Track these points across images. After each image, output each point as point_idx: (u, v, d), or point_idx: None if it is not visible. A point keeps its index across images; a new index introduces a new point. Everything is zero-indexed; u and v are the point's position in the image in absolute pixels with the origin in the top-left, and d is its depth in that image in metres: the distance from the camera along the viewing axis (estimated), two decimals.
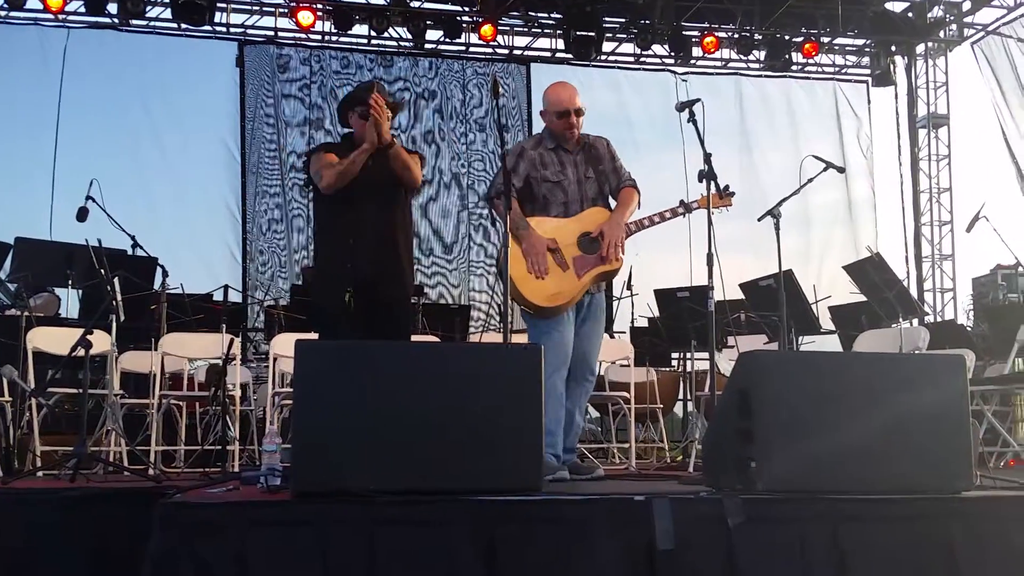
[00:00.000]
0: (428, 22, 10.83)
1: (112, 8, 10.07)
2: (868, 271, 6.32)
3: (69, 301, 7.30)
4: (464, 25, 10.98)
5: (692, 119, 4.69)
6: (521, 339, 4.92)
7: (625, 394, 6.73)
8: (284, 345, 6.03)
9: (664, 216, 4.84)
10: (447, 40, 10.98)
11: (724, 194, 4.75)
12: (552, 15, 11.31)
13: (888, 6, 11.80)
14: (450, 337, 7.63)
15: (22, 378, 5.30)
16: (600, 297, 4.88)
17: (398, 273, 4.67)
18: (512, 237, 4.55)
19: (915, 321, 7.37)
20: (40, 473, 4.91)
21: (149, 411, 6.11)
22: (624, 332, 8.76)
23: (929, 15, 11.74)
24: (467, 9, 10.97)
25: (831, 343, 7.46)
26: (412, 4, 10.71)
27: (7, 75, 9.91)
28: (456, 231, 10.95)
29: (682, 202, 4.86)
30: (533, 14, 11.32)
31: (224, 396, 5.66)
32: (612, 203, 4.88)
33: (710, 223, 4.65)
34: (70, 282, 6.48)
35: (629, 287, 8.64)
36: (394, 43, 11.04)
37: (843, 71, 12.29)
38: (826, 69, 12.19)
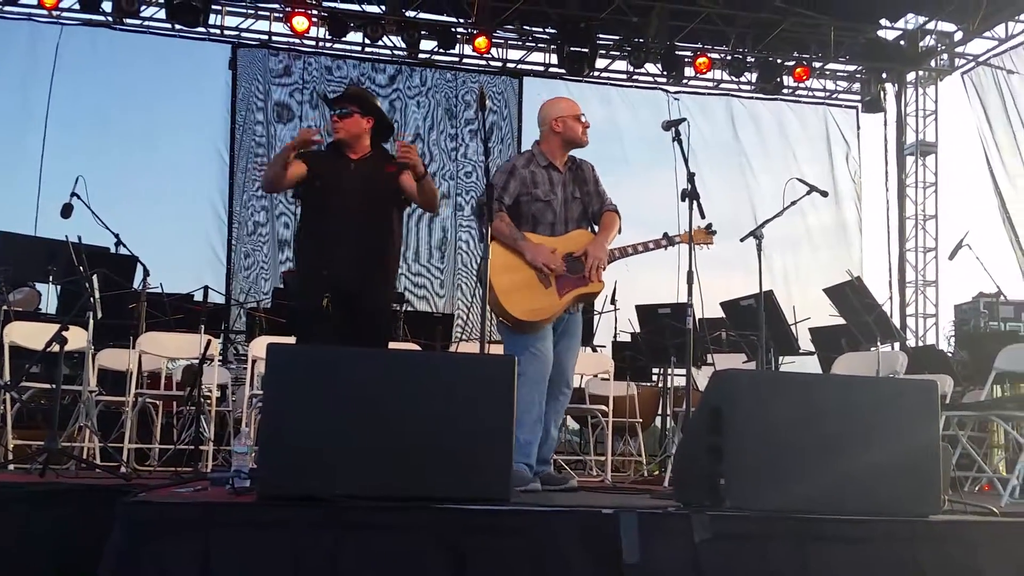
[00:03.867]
0: (422, 32, 10.85)
1: (106, 6, 10.04)
2: (848, 294, 6.34)
3: (49, 297, 7.28)
4: (458, 36, 11.01)
5: (677, 138, 4.73)
6: (498, 351, 4.90)
7: (604, 407, 6.74)
8: (263, 348, 5.99)
9: (647, 246, 4.89)
10: (441, 51, 11.00)
11: (708, 231, 4.84)
12: (547, 30, 11.35)
13: (880, 34, 11.88)
14: (431, 346, 7.63)
15: None
16: (578, 316, 4.93)
17: (378, 282, 4.68)
18: (510, 250, 4.59)
19: (895, 345, 7.39)
20: (11, 467, 4.89)
21: (124, 408, 6.09)
22: (605, 346, 8.77)
23: (921, 44, 11.82)
24: (462, 21, 11.00)
25: (811, 364, 7.48)
26: (407, 14, 10.73)
27: None
28: (444, 240, 10.95)
29: (665, 235, 4.92)
30: (527, 28, 11.35)
31: (199, 396, 5.64)
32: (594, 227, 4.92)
33: (691, 243, 4.70)
34: (51, 278, 6.46)
35: (613, 302, 8.65)
36: (388, 51, 11.06)
37: (833, 96, 12.37)
38: (817, 94, 12.27)
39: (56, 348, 4.52)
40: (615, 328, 8.85)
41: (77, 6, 9.94)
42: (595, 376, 7.62)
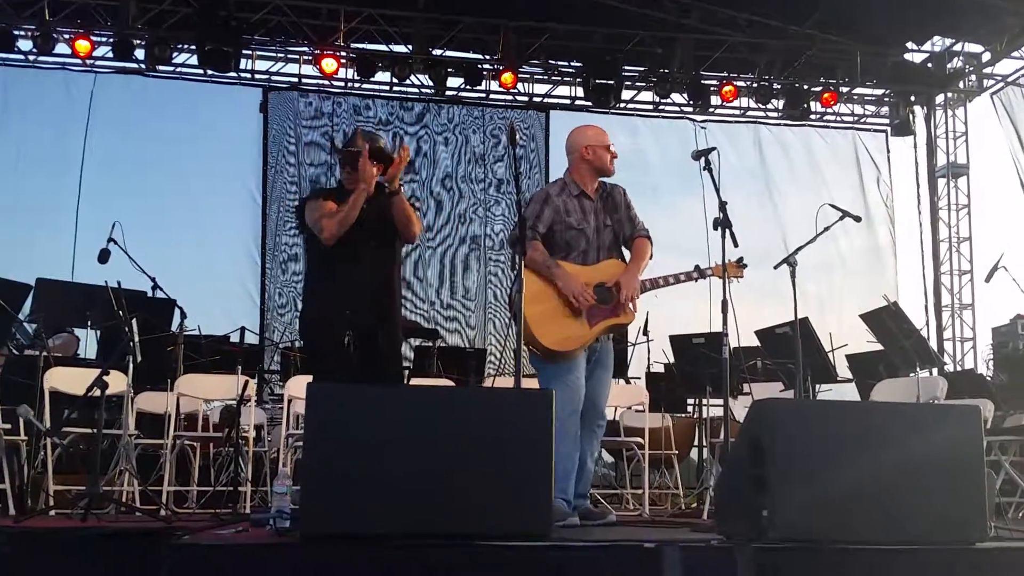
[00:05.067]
0: (449, 69, 10.95)
1: (139, 54, 10.24)
2: (885, 320, 6.29)
3: (88, 342, 7.36)
4: (484, 73, 11.10)
5: (708, 167, 4.74)
6: (532, 384, 4.90)
7: (639, 439, 6.69)
8: (299, 387, 6.05)
9: (679, 279, 4.92)
10: (468, 87, 11.10)
11: (738, 265, 4.84)
12: (572, 63, 11.41)
13: (907, 56, 11.84)
14: (465, 380, 7.63)
15: (38, 418, 5.32)
16: (609, 345, 4.93)
17: (393, 317, 4.75)
18: (543, 279, 4.62)
19: (934, 370, 7.30)
20: (53, 512, 4.92)
21: (163, 451, 6.13)
22: (639, 378, 8.72)
23: (948, 66, 11.75)
24: (488, 57, 11.10)
25: (849, 391, 7.40)
26: (434, 52, 10.84)
27: (34, 118, 10.09)
28: (475, 275, 10.98)
29: (697, 267, 4.96)
30: (553, 62, 11.42)
31: (237, 437, 5.67)
32: (625, 252, 4.94)
33: (724, 272, 4.69)
34: (89, 323, 6.54)
35: (645, 332, 8.62)
36: (415, 90, 11.18)
37: (862, 120, 12.29)
38: (845, 118, 12.21)
39: (97, 392, 4.57)
40: (648, 359, 8.81)
41: (110, 54, 10.13)
42: (629, 408, 7.58)
